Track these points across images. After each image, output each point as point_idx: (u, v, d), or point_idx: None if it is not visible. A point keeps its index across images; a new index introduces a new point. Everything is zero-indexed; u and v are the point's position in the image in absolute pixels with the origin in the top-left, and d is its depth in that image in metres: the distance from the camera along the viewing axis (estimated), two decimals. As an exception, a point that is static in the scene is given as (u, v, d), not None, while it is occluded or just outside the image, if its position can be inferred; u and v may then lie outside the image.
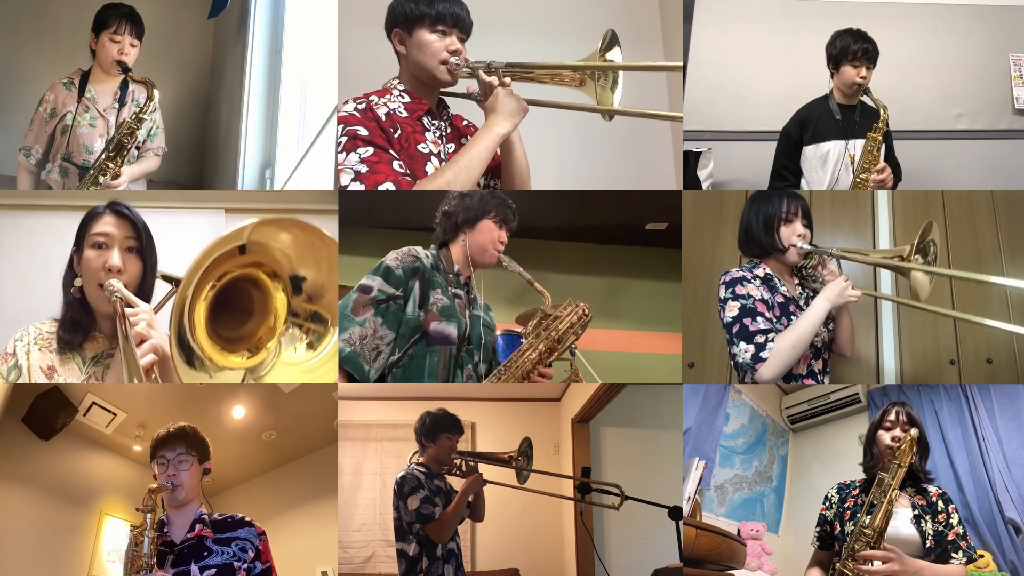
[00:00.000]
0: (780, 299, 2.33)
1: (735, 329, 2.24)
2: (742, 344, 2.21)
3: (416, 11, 2.20)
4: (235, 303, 1.83)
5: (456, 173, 2.14)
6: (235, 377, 1.81)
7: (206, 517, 2.07)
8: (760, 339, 2.19)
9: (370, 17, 2.47)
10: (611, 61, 2.26)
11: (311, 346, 1.83)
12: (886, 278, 3.06)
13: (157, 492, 1.98)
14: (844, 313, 2.47)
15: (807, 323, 2.22)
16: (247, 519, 2.11)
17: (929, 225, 2.27)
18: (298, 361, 1.80)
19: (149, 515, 1.94)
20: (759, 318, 2.23)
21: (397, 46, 2.28)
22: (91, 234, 1.95)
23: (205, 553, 1.99)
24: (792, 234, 2.36)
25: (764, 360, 2.16)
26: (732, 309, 2.26)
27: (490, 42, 2.43)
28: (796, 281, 2.46)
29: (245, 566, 2.00)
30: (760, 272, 2.37)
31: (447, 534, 2.46)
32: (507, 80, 2.24)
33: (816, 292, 2.38)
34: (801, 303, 2.38)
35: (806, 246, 2.35)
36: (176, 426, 2.11)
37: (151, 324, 1.82)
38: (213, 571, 1.96)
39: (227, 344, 1.82)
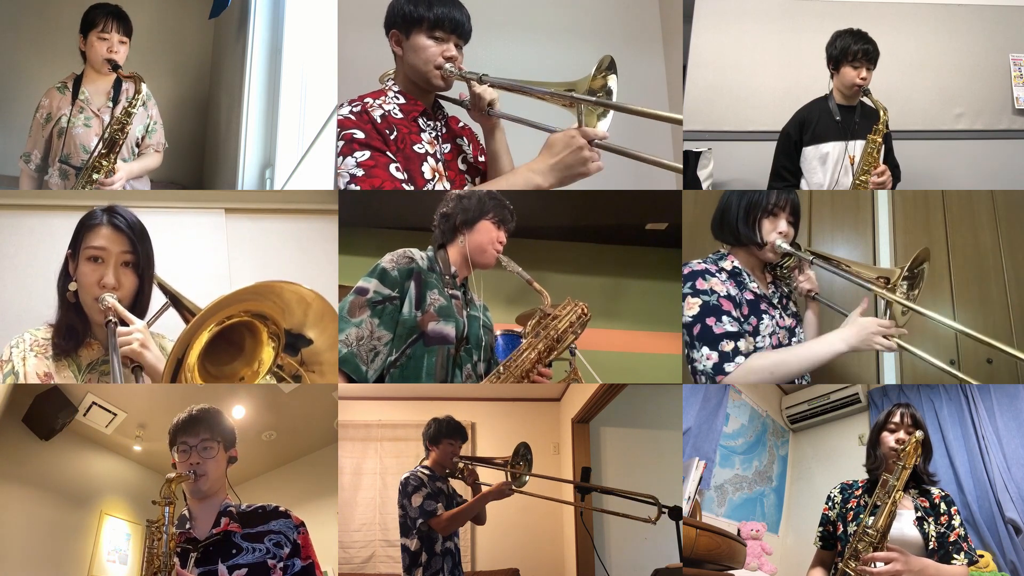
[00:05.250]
0: (749, 296, 2.16)
1: (696, 330, 2.03)
2: (704, 350, 2.01)
3: (415, 14, 2.19)
4: (229, 338, 1.86)
5: None
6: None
7: (233, 510, 1.88)
8: (727, 347, 1.99)
9: (370, 17, 2.46)
10: (608, 84, 2.19)
11: None
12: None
13: (176, 481, 1.79)
14: (813, 321, 2.32)
15: (805, 356, 2.00)
16: (282, 509, 1.93)
17: (924, 252, 2.15)
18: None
19: (167, 508, 1.74)
20: (725, 317, 2.03)
21: (394, 46, 2.28)
22: (87, 246, 1.92)
23: (234, 551, 1.80)
24: (774, 229, 2.17)
25: (727, 374, 1.98)
26: (691, 307, 2.07)
27: (488, 41, 2.42)
28: (769, 279, 2.31)
29: (281, 564, 1.81)
30: (727, 265, 2.21)
31: (451, 528, 2.54)
32: (588, 133, 2.01)
33: (790, 291, 2.26)
34: (774, 301, 2.24)
35: (785, 246, 2.16)
36: (199, 408, 1.93)
37: (144, 343, 1.82)
38: (244, 571, 1.78)
39: (212, 379, 1.86)
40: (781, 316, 2.24)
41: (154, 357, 1.84)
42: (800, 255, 2.19)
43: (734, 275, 2.20)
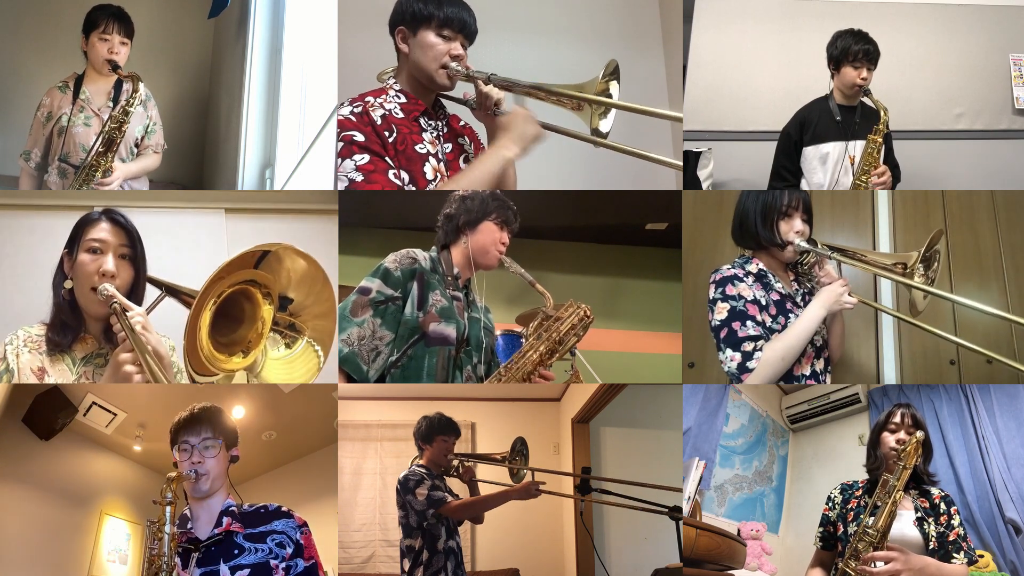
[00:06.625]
0: (776, 296, 2.24)
1: (723, 334, 2.15)
2: (729, 352, 2.12)
3: (423, 12, 2.19)
4: (228, 312, 1.93)
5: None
6: (239, 378, 1.99)
7: (235, 509, 1.87)
8: (748, 347, 2.10)
9: (370, 17, 2.46)
10: (609, 89, 2.22)
11: (288, 346, 2.04)
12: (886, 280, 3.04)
13: (177, 481, 1.77)
14: (836, 316, 2.36)
15: (799, 331, 2.12)
16: (284, 508, 1.92)
17: (938, 234, 2.20)
18: (280, 357, 2.03)
19: (168, 508, 1.71)
20: (749, 322, 2.13)
21: (399, 44, 2.27)
22: (86, 239, 1.96)
23: (235, 551, 1.78)
24: (790, 230, 2.24)
25: (751, 371, 2.08)
26: (721, 312, 2.17)
27: (487, 40, 2.42)
28: (792, 277, 2.36)
29: (284, 564, 1.80)
30: (753, 268, 2.27)
31: (461, 513, 2.55)
32: (526, 105, 2.21)
33: (813, 290, 2.31)
34: (798, 300, 2.29)
35: (803, 244, 2.23)
36: (200, 406, 1.92)
37: (145, 327, 1.87)
38: (246, 572, 1.76)
39: (224, 348, 1.92)
40: None
41: (156, 340, 1.88)
42: (818, 251, 2.25)
43: (760, 277, 2.25)
